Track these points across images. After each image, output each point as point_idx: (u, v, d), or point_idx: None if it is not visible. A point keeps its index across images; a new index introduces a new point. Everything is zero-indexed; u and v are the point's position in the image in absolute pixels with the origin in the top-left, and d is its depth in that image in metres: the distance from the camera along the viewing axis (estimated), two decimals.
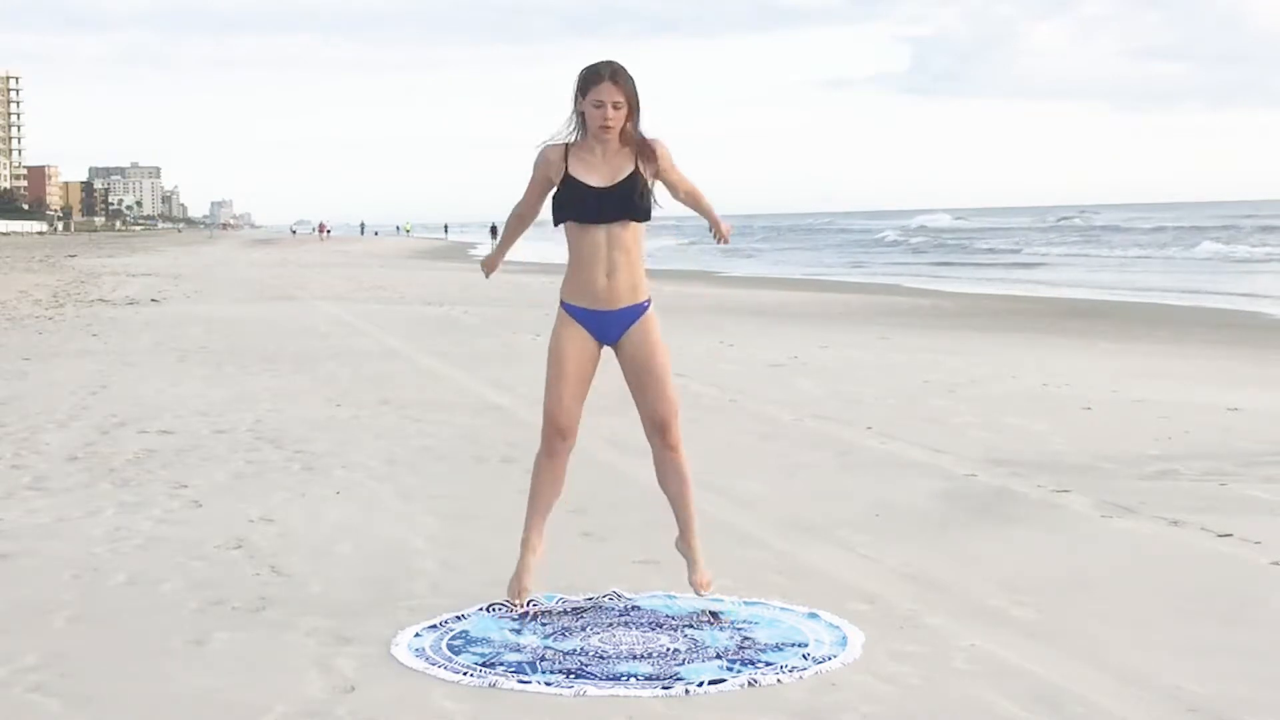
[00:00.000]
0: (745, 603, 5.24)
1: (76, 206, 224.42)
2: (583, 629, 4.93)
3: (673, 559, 5.47)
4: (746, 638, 4.81)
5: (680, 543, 5.31)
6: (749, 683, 4.36)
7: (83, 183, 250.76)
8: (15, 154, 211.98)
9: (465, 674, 4.46)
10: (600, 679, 4.40)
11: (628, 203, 5.05)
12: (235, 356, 14.67)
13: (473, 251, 67.75)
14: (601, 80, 5.02)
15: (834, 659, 4.57)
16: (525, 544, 5.25)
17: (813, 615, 5.06)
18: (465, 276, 34.58)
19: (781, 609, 5.15)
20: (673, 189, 5.31)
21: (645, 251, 5.19)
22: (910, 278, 37.69)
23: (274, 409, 10.66)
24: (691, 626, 4.95)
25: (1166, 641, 4.78)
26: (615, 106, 5.02)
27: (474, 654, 4.66)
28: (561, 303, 5.20)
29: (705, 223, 5.57)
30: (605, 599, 5.27)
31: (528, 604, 5.15)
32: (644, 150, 5.11)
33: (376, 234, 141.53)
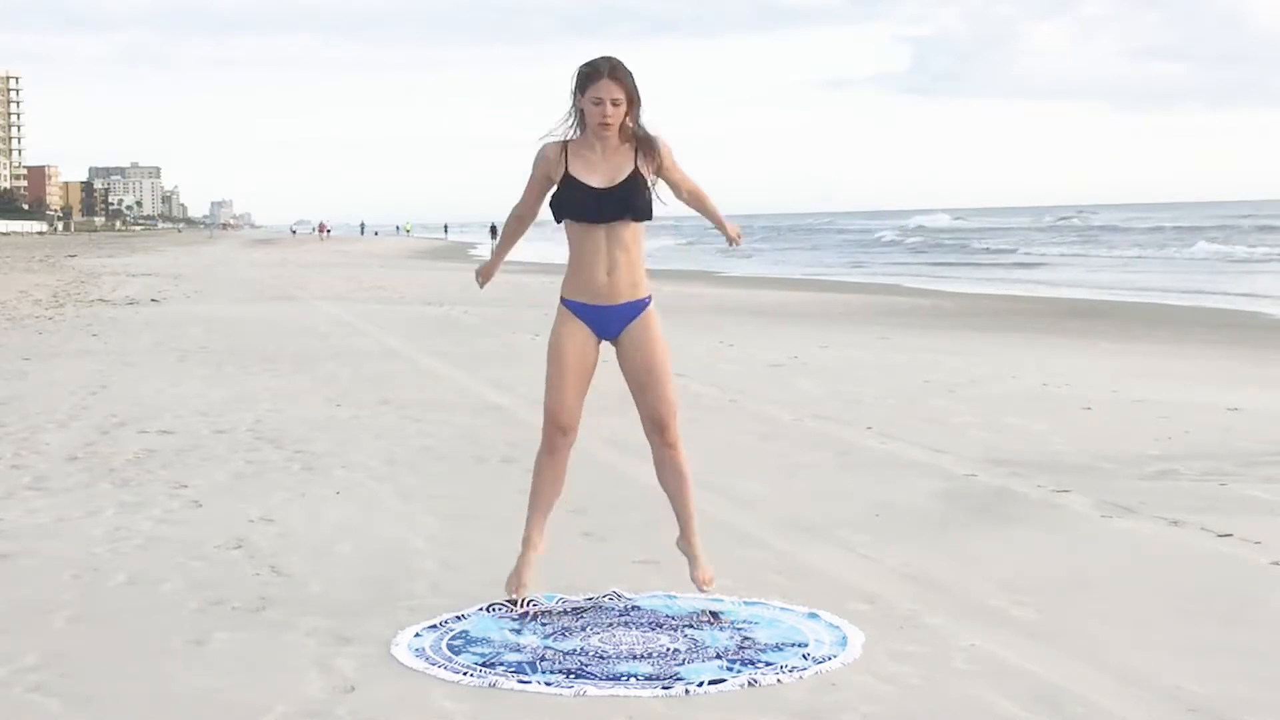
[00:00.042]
0: (745, 603, 5.23)
1: (76, 206, 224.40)
2: (583, 629, 4.93)
3: (673, 559, 5.47)
4: (746, 638, 4.81)
5: (681, 541, 5.31)
6: (749, 683, 4.36)
7: (83, 183, 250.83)
8: (15, 154, 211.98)
9: (465, 674, 4.46)
10: (600, 679, 4.40)
11: (628, 203, 5.03)
12: (235, 356, 14.67)
13: (473, 252, 67.68)
14: (600, 77, 4.98)
15: (834, 659, 4.57)
16: (526, 541, 5.25)
17: (813, 615, 5.05)
18: (465, 276, 34.49)
19: (781, 609, 5.15)
20: (675, 188, 5.24)
21: (645, 250, 5.18)
22: (910, 278, 37.66)
23: (274, 409, 10.66)
24: (691, 626, 4.94)
25: (1166, 641, 4.78)
26: (614, 103, 4.97)
27: (474, 654, 4.66)
28: (561, 299, 5.18)
29: (705, 222, 5.51)
30: (605, 599, 5.27)
31: (528, 604, 5.14)
32: (645, 146, 5.07)
33: (376, 234, 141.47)
